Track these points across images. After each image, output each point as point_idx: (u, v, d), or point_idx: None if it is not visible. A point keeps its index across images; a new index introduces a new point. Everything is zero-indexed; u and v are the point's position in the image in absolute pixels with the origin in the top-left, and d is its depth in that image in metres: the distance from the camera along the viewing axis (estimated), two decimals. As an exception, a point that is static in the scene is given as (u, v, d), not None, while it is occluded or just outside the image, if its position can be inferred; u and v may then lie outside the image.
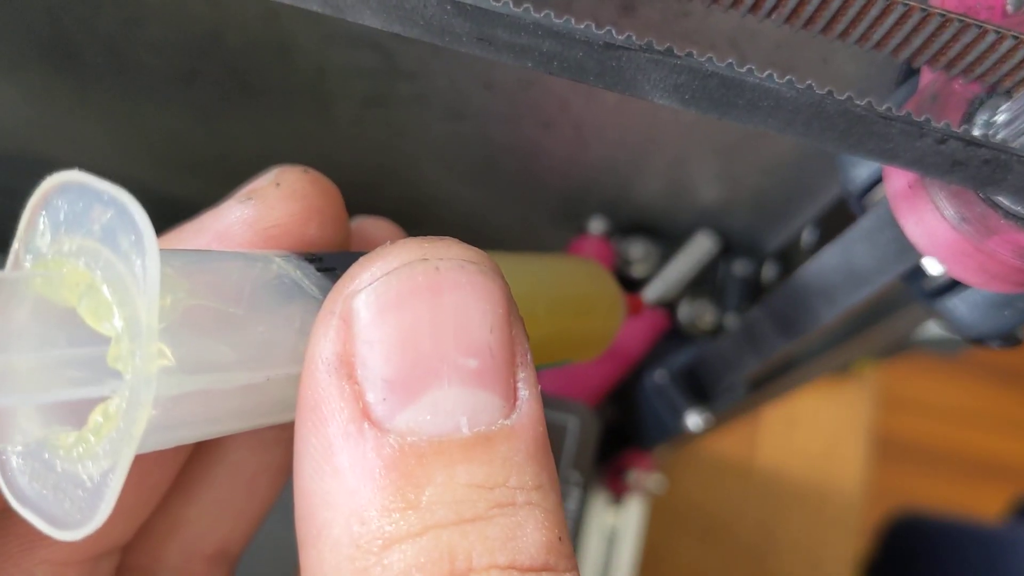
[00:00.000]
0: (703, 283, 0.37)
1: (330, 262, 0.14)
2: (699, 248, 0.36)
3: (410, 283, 0.12)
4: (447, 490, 0.11)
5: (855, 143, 0.17)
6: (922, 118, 0.16)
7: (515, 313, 0.12)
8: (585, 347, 0.20)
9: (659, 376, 0.34)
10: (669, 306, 0.36)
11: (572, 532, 0.59)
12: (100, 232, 0.11)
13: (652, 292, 0.35)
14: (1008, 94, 0.18)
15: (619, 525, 0.65)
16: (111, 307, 0.11)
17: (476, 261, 0.12)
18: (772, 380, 0.40)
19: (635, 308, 0.25)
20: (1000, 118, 0.18)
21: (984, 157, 0.16)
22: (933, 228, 0.18)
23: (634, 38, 0.16)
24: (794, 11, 0.18)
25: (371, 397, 0.11)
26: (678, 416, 0.33)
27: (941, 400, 1.61)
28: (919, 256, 0.20)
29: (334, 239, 0.15)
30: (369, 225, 0.17)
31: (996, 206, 0.18)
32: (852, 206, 0.21)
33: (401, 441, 0.11)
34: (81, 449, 0.11)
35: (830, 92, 0.16)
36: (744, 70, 0.16)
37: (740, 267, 0.36)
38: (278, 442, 0.17)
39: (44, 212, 0.12)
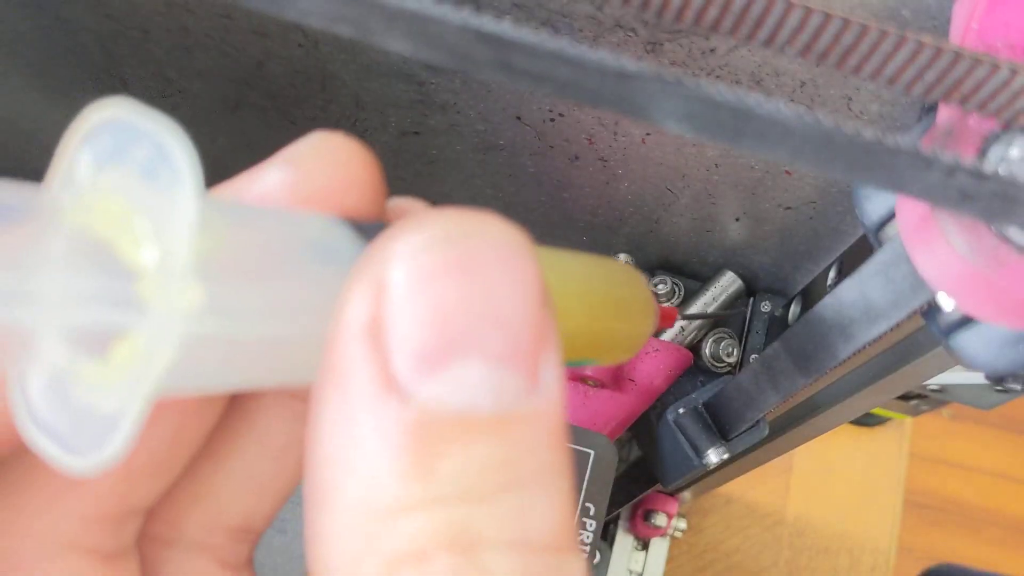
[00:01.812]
0: (728, 322, 0.37)
1: (368, 230, 0.14)
2: (725, 286, 0.36)
3: (446, 255, 0.12)
4: (463, 464, 0.11)
5: (863, 173, 0.17)
6: (930, 151, 0.16)
7: (546, 298, 0.12)
8: (614, 349, 0.20)
9: (680, 412, 0.34)
10: (694, 343, 0.36)
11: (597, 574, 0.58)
12: (142, 167, 0.11)
13: (676, 329, 0.35)
14: (1023, 130, 0.18)
15: (645, 571, 0.64)
16: (146, 241, 0.11)
17: (514, 241, 0.12)
18: (797, 424, 0.40)
19: (669, 319, 0.25)
20: (1014, 153, 0.18)
21: (993, 190, 0.16)
22: (944, 261, 0.18)
23: (646, 68, 0.17)
24: (808, 46, 0.18)
25: (397, 365, 0.11)
26: (698, 452, 0.33)
27: (981, 463, 1.57)
28: (933, 291, 0.20)
29: (371, 211, 0.15)
30: (407, 205, 0.16)
31: (1008, 240, 0.18)
32: (870, 240, 0.22)
33: (423, 411, 0.11)
34: (103, 382, 0.11)
35: (837, 124, 0.16)
36: (753, 101, 0.16)
37: (766, 306, 0.36)
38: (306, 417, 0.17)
39: (86, 144, 0.12)
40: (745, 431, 0.33)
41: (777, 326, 0.36)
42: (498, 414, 0.12)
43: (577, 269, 0.19)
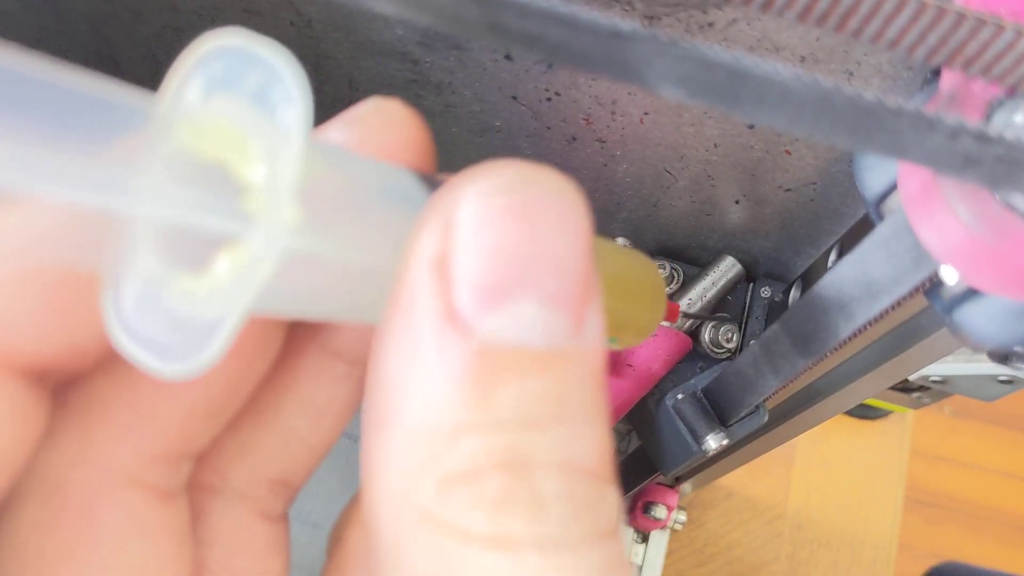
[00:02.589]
0: (728, 307, 0.37)
1: (431, 181, 0.14)
2: (724, 271, 0.36)
3: (511, 201, 0.13)
4: (516, 393, 0.12)
5: (864, 138, 0.16)
6: (933, 113, 0.16)
7: (593, 251, 0.13)
8: (626, 332, 0.21)
9: (679, 397, 0.33)
10: (692, 329, 0.36)
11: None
12: (253, 92, 0.12)
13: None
14: (1027, 96, 0.18)
15: (645, 564, 0.63)
16: (255, 160, 0.12)
17: (571, 195, 0.13)
18: (797, 411, 0.39)
19: (672, 314, 0.25)
20: (1019, 118, 0.17)
21: (998, 154, 0.16)
22: (947, 230, 0.18)
23: (640, 28, 0.16)
24: (808, 8, 0.17)
25: (460, 299, 0.12)
26: (697, 438, 0.33)
27: (982, 460, 1.56)
28: (936, 265, 0.19)
29: (424, 169, 0.16)
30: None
31: (1013, 208, 0.17)
32: (870, 214, 0.21)
33: (482, 343, 0.12)
34: (199, 292, 0.12)
35: (837, 84, 0.16)
36: (750, 62, 0.16)
37: (766, 292, 0.36)
38: (348, 378, 0.18)
39: (198, 68, 0.12)
40: (744, 417, 0.33)
41: (777, 311, 0.36)
42: (549, 351, 0.13)
43: (602, 247, 0.19)
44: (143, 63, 0.35)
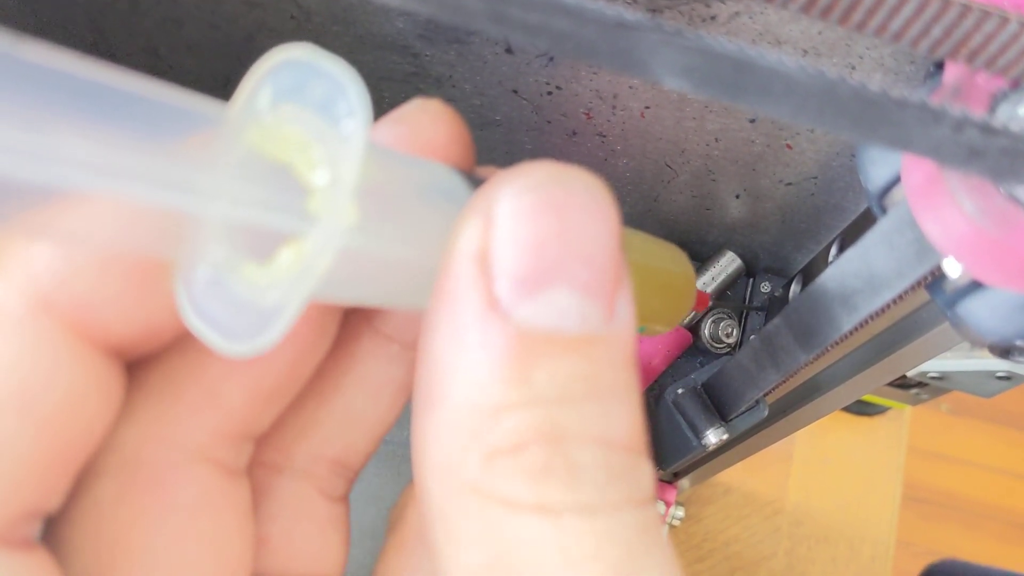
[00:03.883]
0: (727, 302, 0.37)
1: (474, 180, 0.16)
2: (725, 266, 0.36)
3: (546, 197, 0.14)
4: (554, 374, 0.13)
5: (869, 129, 0.16)
6: (938, 104, 0.16)
7: (622, 243, 0.14)
8: (658, 319, 0.21)
9: (679, 392, 0.33)
10: (692, 323, 0.36)
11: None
12: (318, 102, 0.13)
13: (675, 308, 0.35)
14: (1031, 88, 0.18)
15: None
16: (319, 165, 0.13)
17: (601, 191, 0.14)
18: (797, 406, 0.39)
19: (702, 303, 0.26)
20: (1022, 111, 0.17)
21: (1003, 146, 0.16)
22: (951, 222, 0.17)
23: (644, 19, 0.16)
24: (811, 1, 0.17)
25: (500, 288, 0.13)
26: (697, 433, 0.33)
27: (979, 458, 1.57)
28: (939, 257, 0.19)
29: (466, 166, 0.17)
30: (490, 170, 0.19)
31: (1017, 201, 0.17)
32: (872, 207, 0.21)
33: (521, 328, 0.13)
34: (263, 280, 0.13)
35: (842, 76, 0.16)
36: (755, 52, 0.16)
37: (766, 287, 0.36)
38: (401, 359, 0.19)
39: (267, 79, 0.14)
40: (745, 411, 0.33)
41: (777, 306, 0.36)
42: (582, 335, 0.14)
43: (631, 238, 0.20)
44: (142, 55, 0.34)
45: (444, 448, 0.13)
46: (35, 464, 0.14)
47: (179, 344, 0.16)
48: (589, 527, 0.13)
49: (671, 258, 0.22)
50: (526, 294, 0.13)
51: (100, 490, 0.16)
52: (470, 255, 0.14)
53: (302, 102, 0.13)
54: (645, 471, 0.14)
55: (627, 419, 0.14)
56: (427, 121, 0.17)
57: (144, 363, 0.16)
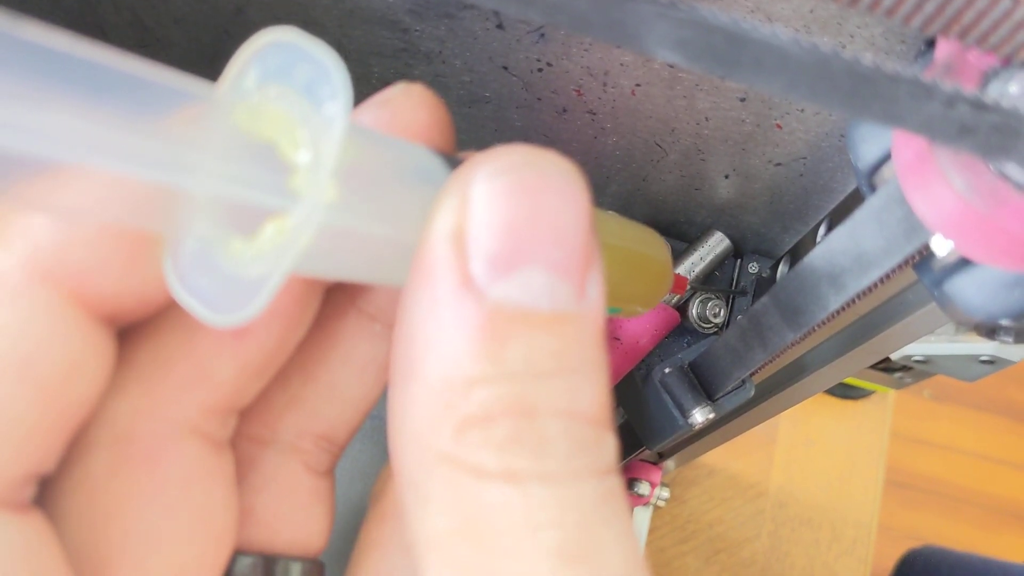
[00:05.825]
0: (715, 283, 0.37)
1: (452, 161, 0.16)
2: (713, 246, 0.36)
3: (520, 180, 0.14)
4: (525, 350, 0.14)
5: (861, 105, 0.16)
6: (930, 79, 0.16)
7: (594, 226, 0.15)
8: (631, 301, 0.22)
9: (666, 371, 0.33)
10: (680, 303, 0.36)
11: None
12: (303, 85, 0.14)
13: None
14: (1023, 66, 0.18)
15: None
16: (302, 145, 0.14)
17: (572, 174, 0.15)
18: (783, 387, 0.40)
19: (680, 286, 0.26)
20: (1013, 89, 0.17)
21: (994, 123, 0.16)
22: (941, 199, 0.18)
23: (639, -11, 0.16)
24: (805, -26, 0.17)
25: (475, 267, 0.14)
26: (684, 412, 0.33)
27: (961, 443, 1.58)
28: (928, 235, 0.19)
29: (446, 149, 0.18)
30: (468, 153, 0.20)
31: (1007, 178, 0.17)
32: (861, 185, 0.21)
33: (493, 306, 0.14)
34: (249, 254, 0.14)
35: (836, 50, 0.16)
36: (748, 25, 0.16)
37: (754, 268, 0.36)
38: (384, 338, 0.20)
39: (254, 60, 0.14)
40: (731, 391, 0.33)
41: (765, 287, 0.36)
42: (553, 313, 0.14)
43: (608, 222, 0.21)
44: (129, 28, 0.34)
45: (418, 419, 0.14)
46: (34, 426, 0.14)
47: (168, 320, 0.17)
48: (552, 494, 0.13)
49: (647, 241, 0.22)
50: (499, 273, 0.14)
51: (92, 462, 0.16)
52: (446, 234, 0.14)
53: (287, 84, 0.14)
54: (609, 444, 0.14)
55: (593, 394, 0.14)
56: (410, 105, 0.18)
57: (135, 339, 0.17)
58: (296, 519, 0.19)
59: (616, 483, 0.14)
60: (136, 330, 0.17)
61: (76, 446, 0.16)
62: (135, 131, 0.12)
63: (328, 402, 0.19)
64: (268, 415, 0.19)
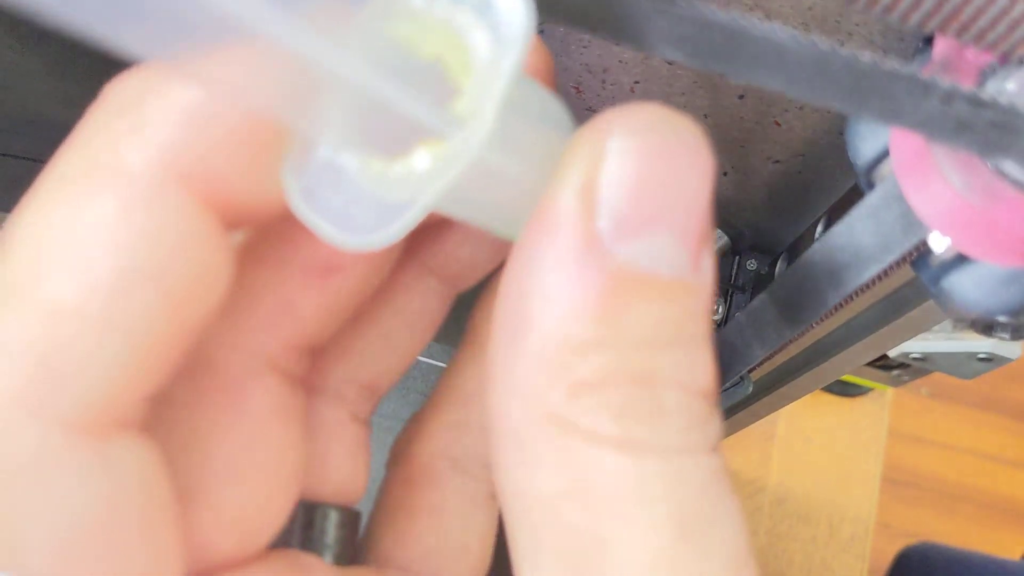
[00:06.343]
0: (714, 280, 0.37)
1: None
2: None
3: (657, 141, 0.14)
4: (645, 316, 0.13)
5: (859, 101, 0.16)
6: (928, 76, 0.16)
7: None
8: None
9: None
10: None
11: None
12: (477, 5, 0.13)
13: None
14: (1021, 63, 0.18)
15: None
16: (471, 70, 0.13)
17: (705, 143, 0.14)
18: (781, 383, 0.40)
19: None
20: (1011, 86, 0.17)
21: (991, 119, 0.16)
22: (938, 196, 0.18)
23: (639, -14, 0.16)
24: (804, -29, 0.17)
25: (603, 224, 0.13)
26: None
27: (958, 441, 1.59)
28: (925, 231, 0.20)
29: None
30: None
31: (1004, 175, 0.17)
32: (860, 182, 0.21)
33: (618, 268, 0.13)
34: (392, 175, 0.13)
35: (834, 47, 0.16)
36: (748, 22, 0.16)
37: (752, 265, 0.36)
38: (438, 294, 0.20)
39: None
40: (729, 387, 0.33)
41: (763, 285, 0.36)
42: (673, 281, 0.14)
43: None
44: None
45: (528, 376, 0.13)
46: (168, 342, 0.14)
47: (256, 252, 0.16)
48: (668, 468, 0.13)
49: None
50: (628, 234, 0.13)
51: (174, 393, 0.16)
52: (576, 188, 0.13)
53: (462, 2, 0.13)
54: (717, 420, 0.14)
55: (707, 367, 0.14)
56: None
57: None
58: (340, 466, 0.19)
59: (724, 462, 0.14)
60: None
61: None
62: (304, 10, 0.11)
63: (377, 352, 0.19)
64: (320, 363, 0.19)
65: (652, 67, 0.28)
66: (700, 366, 0.14)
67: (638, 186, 0.13)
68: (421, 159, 0.13)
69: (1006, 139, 0.16)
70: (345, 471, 0.19)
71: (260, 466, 0.16)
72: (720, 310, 0.36)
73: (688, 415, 0.14)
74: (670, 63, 0.28)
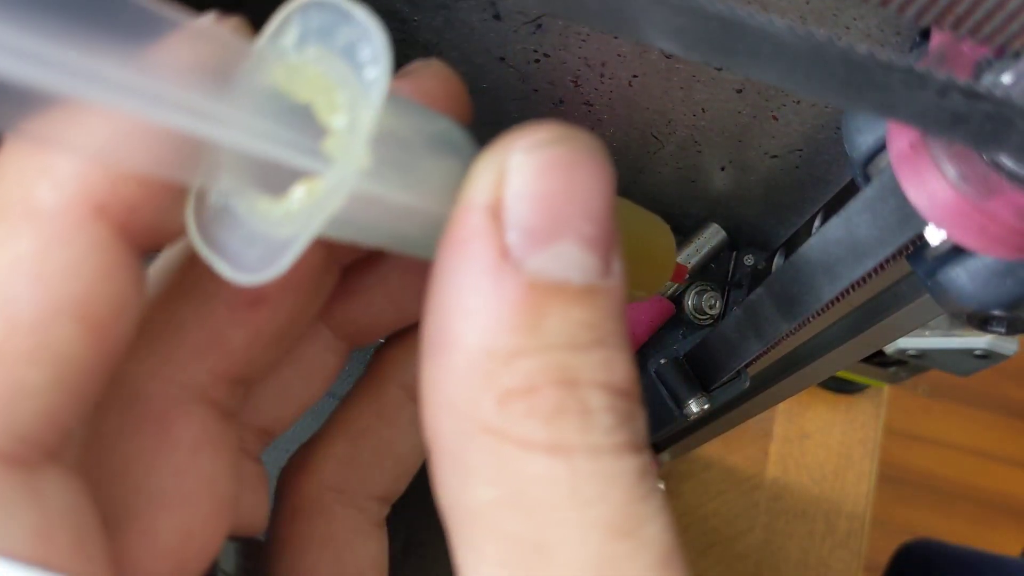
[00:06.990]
0: (711, 275, 0.37)
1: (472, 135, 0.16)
2: (709, 238, 0.36)
3: (556, 155, 0.14)
4: (562, 322, 0.14)
5: (855, 94, 0.16)
6: (923, 69, 0.16)
7: (614, 204, 0.15)
8: (639, 284, 0.22)
9: (661, 363, 0.34)
10: (676, 295, 0.36)
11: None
12: (343, 47, 0.14)
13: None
14: (1016, 56, 0.18)
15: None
16: (339, 108, 0.14)
17: (601, 151, 0.15)
18: (778, 379, 0.40)
19: (680, 275, 0.26)
20: (1006, 79, 0.18)
21: (986, 112, 0.16)
22: (934, 189, 0.18)
23: (636, -23, 0.16)
24: (801, -36, 0.17)
25: (512, 239, 0.14)
26: (679, 403, 0.33)
27: (955, 439, 1.59)
28: (921, 225, 0.20)
29: (464, 121, 0.18)
30: None
31: (999, 167, 0.17)
32: (856, 176, 0.21)
33: (531, 278, 0.14)
34: (276, 213, 0.14)
35: (831, 38, 0.16)
36: (744, 13, 0.16)
37: (749, 260, 0.36)
38: (336, 349, 0.20)
39: (295, 18, 0.14)
40: (726, 382, 0.33)
41: (760, 280, 0.36)
42: (585, 286, 0.14)
43: (621, 206, 0.20)
44: None
45: (457, 390, 0.14)
46: (89, 371, 0.14)
47: (183, 285, 0.17)
48: (599, 468, 0.13)
49: (654, 227, 0.22)
50: (536, 245, 0.14)
51: (105, 423, 0.16)
52: (483, 206, 0.14)
53: (327, 45, 0.14)
54: (642, 418, 0.15)
55: (627, 367, 0.14)
56: (431, 77, 0.18)
57: (150, 302, 0.17)
58: (240, 502, 0.19)
59: (649, 460, 0.14)
60: (152, 294, 0.17)
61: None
62: (164, 75, 0.12)
63: (275, 402, 0.20)
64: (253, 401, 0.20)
65: (650, 61, 0.28)
66: (620, 365, 0.14)
67: (542, 198, 0.14)
68: (299, 197, 0.14)
69: (1001, 132, 0.16)
70: (246, 503, 0.20)
71: (190, 494, 0.17)
72: (718, 305, 0.36)
73: (613, 415, 0.14)
74: (668, 57, 0.28)
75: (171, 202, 0.15)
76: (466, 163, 0.15)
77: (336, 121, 0.14)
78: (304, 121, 0.14)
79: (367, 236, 0.15)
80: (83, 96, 0.12)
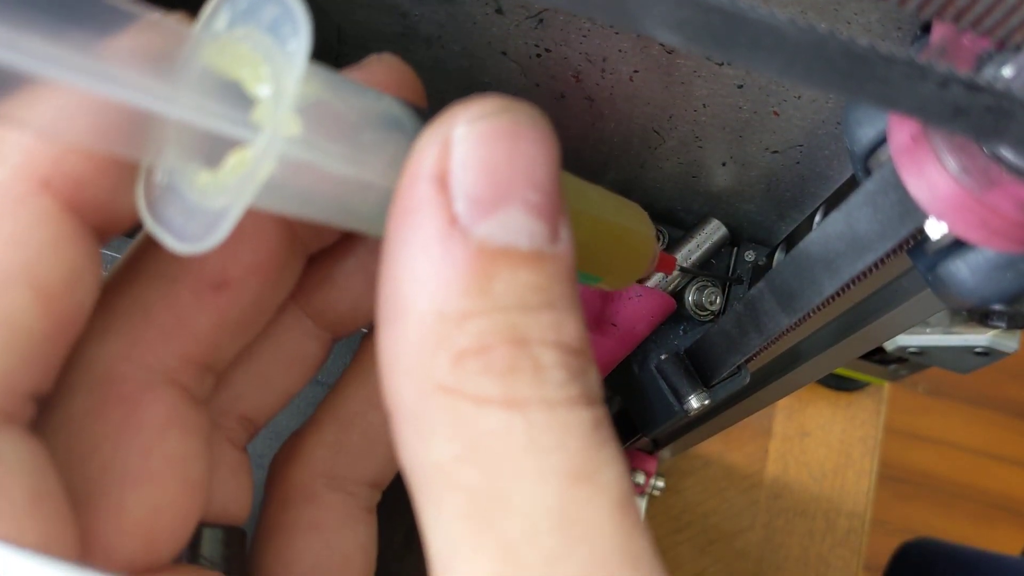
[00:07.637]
0: (711, 271, 0.37)
1: (422, 112, 0.17)
2: (710, 234, 0.36)
3: (498, 125, 0.15)
4: (511, 284, 0.14)
5: (856, 86, 0.16)
6: (924, 61, 0.16)
7: (560, 178, 0.16)
8: (612, 272, 0.22)
9: (662, 358, 0.34)
10: (677, 290, 0.36)
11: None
12: (268, 24, 0.15)
13: (660, 274, 0.35)
14: (1017, 49, 0.18)
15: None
16: (265, 79, 0.14)
17: (544, 123, 0.15)
18: (778, 375, 0.40)
19: (668, 266, 0.26)
20: (1007, 72, 0.18)
21: (987, 104, 0.16)
22: (935, 181, 0.18)
23: (638, -31, 0.16)
24: (802, -43, 0.17)
25: (459, 207, 0.14)
26: (680, 398, 0.33)
27: (955, 438, 1.59)
28: (922, 218, 0.20)
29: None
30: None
31: (999, 160, 0.17)
32: (856, 169, 0.21)
33: (479, 243, 0.14)
34: (213, 185, 0.15)
35: (832, 31, 0.16)
36: (746, 5, 0.16)
37: (750, 256, 0.36)
38: (316, 337, 0.21)
39: (227, 4, 0.15)
40: (727, 377, 0.33)
41: (761, 276, 0.36)
42: (533, 251, 0.15)
43: (591, 191, 0.21)
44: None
45: (413, 353, 0.14)
46: (39, 335, 0.15)
47: (149, 269, 0.17)
48: (554, 419, 0.14)
49: (629, 214, 0.22)
50: (483, 213, 0.14)
51: (73, 404, 0.17)
52: (430, 177, 0.15)
53: (255, 24, 0.15)
54: (594, 374, 0.15)
55: (577, 327, 0.15)
56: (381, 68, 0.19)
57: (117, 286, 0.17)
58: (222, 486, 0.20)
59: (604, 412, 0.15)
60: (118, 278, 0.17)
61: (58, 386, 0.16)
62: (111, 56, 0.13)
63: (256, 389, 0.21)
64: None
65: (651, 56, 0.28)
66: (570, 325, 0.15)
67: (487, 167, 0.15)
68: (233, 166, 0.15)
69: (1002, 124, 0.16)
70: (228, 490, 0.20)
71: (157, 473, 0.17)
72: (718, 301, 0.36)
73: (565, 370, 0.14)
74: (669, 52, 0.28)
75: (121, 181, 0.16)
76: (411, 139, 0.16)
77: (262, 91, 0.14)
78: (237, 96, 0.15)
79: (314, 210, 0.16)
80: (39, 75, 0.12)
